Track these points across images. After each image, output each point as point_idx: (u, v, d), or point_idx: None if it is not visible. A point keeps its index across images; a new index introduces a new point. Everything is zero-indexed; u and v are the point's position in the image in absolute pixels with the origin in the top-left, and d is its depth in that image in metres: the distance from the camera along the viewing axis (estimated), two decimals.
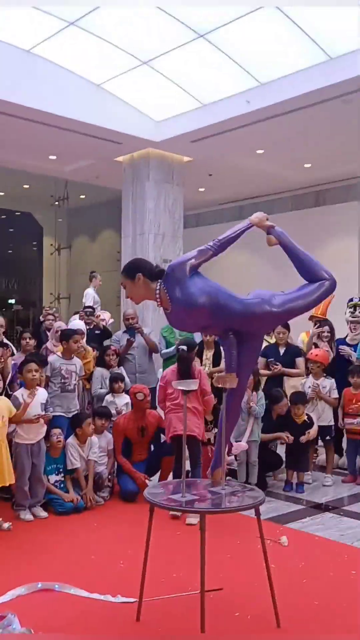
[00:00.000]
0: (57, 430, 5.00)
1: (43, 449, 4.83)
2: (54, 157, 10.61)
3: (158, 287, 2.84)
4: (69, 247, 15.99)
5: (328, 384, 5.96)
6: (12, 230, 16.19)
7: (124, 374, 5.94)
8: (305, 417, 5.69)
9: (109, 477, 5.30)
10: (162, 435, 5.37)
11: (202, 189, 12.42)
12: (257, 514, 2.97)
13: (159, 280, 2.86)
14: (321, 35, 7.23)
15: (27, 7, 7.18)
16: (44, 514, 4.71)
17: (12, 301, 15.99)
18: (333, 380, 6.01)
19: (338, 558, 3.92)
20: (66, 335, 5.49)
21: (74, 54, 8.37)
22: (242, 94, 8.41)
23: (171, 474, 5.10)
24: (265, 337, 6.73)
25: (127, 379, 5.90)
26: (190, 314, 2.84)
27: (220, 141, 9.25)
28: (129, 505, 5.02)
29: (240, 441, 5.11)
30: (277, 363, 6.01)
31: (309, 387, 5.95)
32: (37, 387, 4.80)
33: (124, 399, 5.69)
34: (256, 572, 3.37)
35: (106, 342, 7.11)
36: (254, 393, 5.49)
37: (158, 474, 5.37)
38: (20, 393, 4.73)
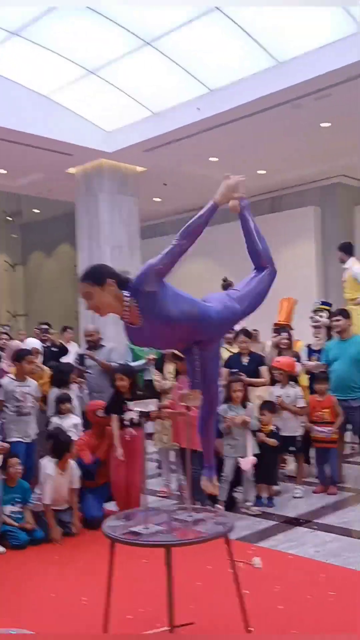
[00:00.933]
0: (14, 460, 4.70)
1: None
2: (4, 172, 10.30)
3: (128, 299, 2.50)
4: (24, 263, 15.59)
5: (293, 392, 5.82)
6: None
7: (74, 394, 5.70)
8: (273, 427, 5.53)
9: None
10: None
11: (157, 199, 12.26)
12: (227, 542, 2.77)
13: (126, 292, 2.52)
14: (269, 40, 7.17)
15: None
16: (1, 548, 4.40)
17: None
18: (298, 388, 5.88)
19: (315, 577, 3.75)
20: (19, 356, 5.21)
21: (20, 65, 8.12)
22: (193, 101, 8.29)
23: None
24: (227, 346, 6.57)
25: (75, 400, 5.66)
26: (167, 331, 2.58)
27: (174, 150, 9.11)
28: (94, 533, 4.74)
29: (244, 457, 5.05)
30: (241, 373, 5.83)
31: (278, 396, 5.79)
32: None
33: (72, 420, 5.43)
34: (229, 600, 3.16)
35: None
36: (248, 406, 5.32)
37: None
38: None
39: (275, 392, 5.83)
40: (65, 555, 4.32)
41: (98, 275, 2.54)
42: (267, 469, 5.45)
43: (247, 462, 5.09)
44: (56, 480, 4.68)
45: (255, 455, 5.25)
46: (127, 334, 2.66)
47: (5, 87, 8.21)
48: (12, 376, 5.22)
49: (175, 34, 7.34)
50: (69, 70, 8.16)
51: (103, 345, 6.49)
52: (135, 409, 2.71)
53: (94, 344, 6.38)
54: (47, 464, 4.72)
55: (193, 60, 7.80)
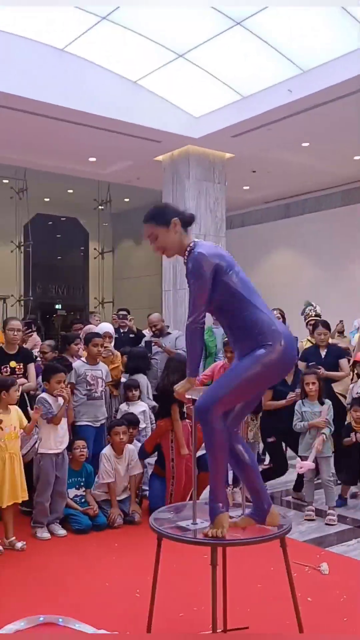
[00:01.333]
0: (80, 443, 4.68)
1: (66, 461, 4.52)
2: (93, 159, 10.42)
3: (189, 247, 2.54)
4: (113, 251, 15.82)
5: None
6: (59, 236, 16.16)
7: (144, 380, 5.61)
8: None
9: (137, 491, 4.93)
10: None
11: (246, 187, 11.97)
12: (283, 545, 2.54)
13: (192, 238, 2.59)
14: None
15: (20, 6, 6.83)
16: (62, 531, 4.36)
17: (59, 306, 15.94)
18: None
19: None
20: (86, 339, 5.19)
21: (108, 50, 8.12)
22: (284, 83, 7.95)
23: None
24: (309, 338, 6.26)
25: (143, 386, 5.56)
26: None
27: (263, 135, 8.81)
28: None
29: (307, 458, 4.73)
30: (319, 367, 5.48)
31: (357, 392, 5.41)
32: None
33: (140, 407, 5.33)
34: (289, 605, 2.93)
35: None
36: (326, 403, 4.99)
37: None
38: (47, 398, 4.41)
39: (356, 388, 5.45)
40: (125, 544, 4.23)
41: (163, 216, 2.57)
42: (347, 465, 5.12)
43: (304, 466, 4.69)
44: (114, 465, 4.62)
45: (338, 453, 4.91)
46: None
47: (94, 73, 8.25)
48: (84, 359, 5.21)
49: (266, 13, 7.03)
50: (157, 54, 8.08)
51: (169, 333, 6.60)
52: (188, 396, 2.54)
53: (160, 332, 6.49)
54: (106, 449, 4.70)
55: (285, 40, 7.46)
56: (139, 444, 5.03)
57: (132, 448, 4.88)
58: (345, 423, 5.30)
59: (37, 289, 14.63)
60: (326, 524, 4.56)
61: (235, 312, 2.50)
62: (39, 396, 4.52)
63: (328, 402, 5.02)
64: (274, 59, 7.71)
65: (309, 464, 4.64)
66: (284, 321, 5.98)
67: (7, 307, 12.25)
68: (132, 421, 5.03)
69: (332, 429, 4.88)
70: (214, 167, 9.88)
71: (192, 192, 9.72)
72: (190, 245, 2.56)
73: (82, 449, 4.65)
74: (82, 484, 4.67)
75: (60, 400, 4.38)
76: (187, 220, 2.60)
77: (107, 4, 7.01)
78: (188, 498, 4.50)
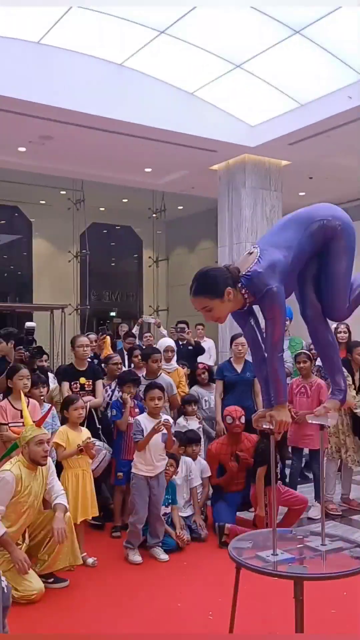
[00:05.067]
0: (170, 461, 4.62)
1: (163, 483, 4.44)
2: (149, 170, 10.51)
3: (244, 291, 2.45)
4: (167, 259, 15.92)
5: None
6: (113, 244, 16.40)
7: (206, 393, 5.62)
8: None
9: (202, 508, 4.94)
10: None
11: (302, 193, 11.82)
12: None
13: (241, 285, 2.46)
14: None
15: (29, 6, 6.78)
16: (164, 556, 4.29)
17: (113, 313, 16.16)
18: None
19: None
20: (146, 355, 5.24)
21: (166, 63, 8.18)
22: (343, 89, 7.81)
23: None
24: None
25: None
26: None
27: (321, 142, 8.68)
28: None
29: None
30: None
31: None
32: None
33: (197, 423, 5.34)
34: None
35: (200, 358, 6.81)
36: None
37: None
38: (142, 419, 4.41)
39: None
40: (193, 563, 4.25)
41: (215, 287, 2.42)
42: None
43: None
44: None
45: None
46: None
47: (151, 87, 8.32)
48: (143, 375, 5.26)
49: (324, 20, 6.94)
50: (214, 65, 8.08)
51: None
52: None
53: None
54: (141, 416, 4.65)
55: (344, 46, 7.34)
56: (204, 462, 5.04)
57: (190, 461, 4.89)
58: None
59: (92, 296, 14.86)
60: None
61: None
62: (136, 417, 4.52)
63: None
64: (332, 66, 7.60)
65: None
66: (349, 337, 5.87)
67: (65, 316, 12.50)
68: (193, 439, 5.05)
69: None
70: (270, 174, 9.81)
71: (248, 200, 9.68)
72: (244, 290, 2.45)
73: (168, 467, 4.58)
74: (169, 501, 4.65)
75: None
76: (235, 279, 2.46)
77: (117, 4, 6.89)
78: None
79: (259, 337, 2.67)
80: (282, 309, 2.44)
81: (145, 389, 4.60)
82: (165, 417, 4.46)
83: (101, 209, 14.50)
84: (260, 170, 9.68)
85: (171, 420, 4.51)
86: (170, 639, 2.55)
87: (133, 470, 4.38)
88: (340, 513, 5.35)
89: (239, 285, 2.45)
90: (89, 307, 13.74)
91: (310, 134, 8.55)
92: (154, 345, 6.03)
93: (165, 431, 4.30)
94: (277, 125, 8.73)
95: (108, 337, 6.15)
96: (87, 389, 4.87)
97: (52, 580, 3.79)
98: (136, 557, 4.23)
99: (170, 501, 4.66)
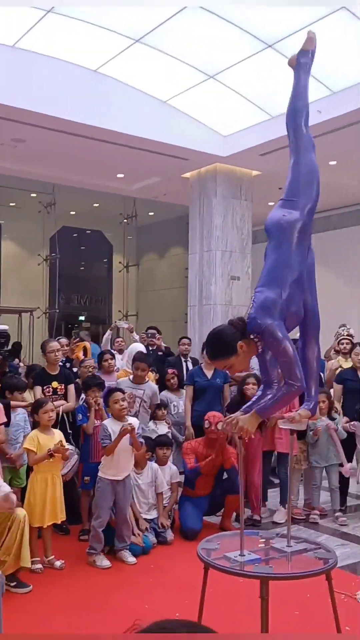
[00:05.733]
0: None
1: (129, 487, 4.48)
2: (121, 176, 10.57)
3: (257, 340, 2.59)
4: (137, 264, 15.97)
5: None
6: (83, 248, 16.36)
7: (175, 399, 5.70)
8: None
9: (170, 512, 5.00)
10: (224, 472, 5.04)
11: (271, 203, 11.99)
12: (328, 578, 2.59)
13: (252, 335, 2.59)
14: None
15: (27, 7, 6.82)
16: (132, 559, 4.32)
17: (82, 318, 16.11)
18: None
19: None
20: (133, 360, 5.31)
21: (140, 72, 8.27)
22: (313, 103, 7.96)
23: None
24: (341, 360, 6.28)
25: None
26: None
27: None
28: (191, 545, 4.69)
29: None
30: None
31: None
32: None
33: (166, 427, 5.42)
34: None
35: None
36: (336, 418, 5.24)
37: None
38: (109, 423, 4.43)
39: None
40: (160, 565, 4.30)
41: (229, 347, 2.55)
42: None
43: (347, 469, 5.16)
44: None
45: None
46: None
47: (126, 94, 8.39)
48: (130, 378, 5.33)
49: (297, 35, 7.12)
50: (188, 75, 8.19)
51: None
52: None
53: None
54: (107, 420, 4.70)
55: (315, 62, 7.53)
56: (174, 467, 5.10)
57: (157, 466, 4.95)
58: None
59: (61, 300, 14.80)
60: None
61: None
62: (103, 422, 4.54)
63: (338, 417, 5.43)
64: None
65: (349, 465, 5.25)
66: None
67: (34, 319, 12.42)
68: (164, 442, 5.11)
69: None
70: (241, 184, 9.97)
71: (219, 208, 9.81)
72: (255, 335, 2.58)
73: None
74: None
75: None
76: (242, 330, 2.60)
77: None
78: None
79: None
80: (284, 342, 2.52)
81: (107, 393, 4.62)
82: (130, 419, 4.50)
83: (72, 212, 14.47)
84: (232, 179, 9.83)
85: (136, 423, 4.54)
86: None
87: (99, 474, 4.40)
88: (304, 517, 5.48)
89: (248, 333, 2.57)
90: (57, 310, 13.69)
91: (281, 145, 8.70)
92: (125, 350, 6.07)
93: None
94: (249, 136, 8.89)
95: (87, 344, 6.12)
96: (59, 393, 4.88)
97: (14, 584, 3.76)
98: (104, 561, 4.25)
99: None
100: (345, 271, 12.01)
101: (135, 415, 5.22)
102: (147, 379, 5.37)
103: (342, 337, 6.35)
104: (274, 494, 5.77)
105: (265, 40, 7.32)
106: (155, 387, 5.48)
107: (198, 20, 7.06)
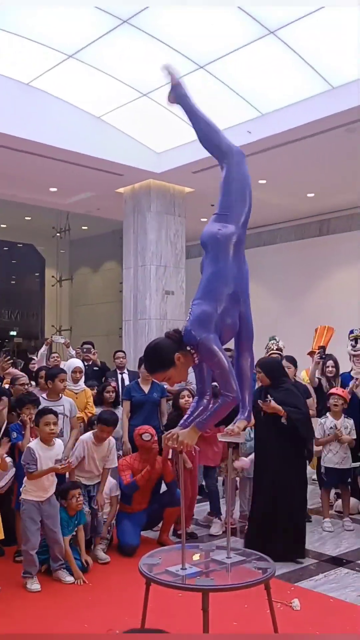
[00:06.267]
0: (76, 491, 4.53)
1: (55, 505, 4.37)
2: (54, 190, 10.48)
3: (194, 352, 2.65)
4: (70, 278, 15.82)
5: (349, 424, 5.67)
6: (14, 261, 16.05)
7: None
8: None
9: (109, 528, 4.97)
10: (163, 485, 5.07)
11: (204, 219, 12.24)
12: (267, 587, 2.66)
13: (188, 347, 2.67)
14: (323, 64, 7.11)
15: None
16: (69, 578, 4.24)
17: (14, 333, 15.76)
18: (352, 420, 5.71)
19: (357, 625, 3.58)
20: (52, 374, 5.19)
21: (74, 87, 8.27)
22: (244, 124, 8.26)
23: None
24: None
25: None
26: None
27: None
28: (128, 561, 4.68)
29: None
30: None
31: (330, 427, 5.62)
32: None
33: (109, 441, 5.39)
34: None
35: None
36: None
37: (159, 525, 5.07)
38: (35, 446, 4.29)
39: (329, 423, 5.66)
40: (98, 583, 4.26)
41: (166, 359, 2.61)
42: None
43: (242, 463, 5.32)
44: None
45: None
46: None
47: (59, 108, 8.37)
48: (45, 396, 5.20)
49: (228, 58, 7.35)
50: (122, 92, 8.27)
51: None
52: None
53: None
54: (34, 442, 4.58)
55: (246, 84, 7.79)
56: (113, 480, 5.06)
57: (113, 442, 4.94)
58: None
59: None
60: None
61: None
62: (28, 445, 4.39)
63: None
64: (234, 101, 8.02)
65: (246, 460, 5.32)
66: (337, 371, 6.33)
67: None
68: (110, 420, 4.90)
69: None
70: (175, 200, 10.11)
71: (153, 224, 9.91)
72: (190, 348, 2.65)
73: (78, 497, 4.50)
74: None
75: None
76: (179, 342, 2.66)
77: None
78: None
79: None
80: (219, 355, 2.59)
81: (38, 413, 4.49)
82: (57, 441, 4.46)
83: (3, 225, 14.19)
84: (165, 195, 9.96)
85: (60, 448, 4.50)
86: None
87: (23, 496, 4.29)
88: (238, 527, 5.57)
89: (184, 345, 2.64)
90: None
91: (213, 164, 8.84)
92: (61, 366, 6.00)
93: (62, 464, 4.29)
94: (182, 154, 9.04)
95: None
96: None
97: None
98: (34, 585, 4.14)
99: (75, 524, 4.61)
100: (276, 286, 12.36)
101: (60, 434, 5.13)
102: (61, 395, 5.25)
103: (272, 350, 6.53)
104: (203, 508, 5.87)
105: (197, 60, 7.50)
106: (70, 399, 5.37)
107: (131, 38, 7.16)
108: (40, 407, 4.78)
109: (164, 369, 2.62)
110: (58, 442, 4.51)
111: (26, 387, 5.39)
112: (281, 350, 6.58)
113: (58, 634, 2.90)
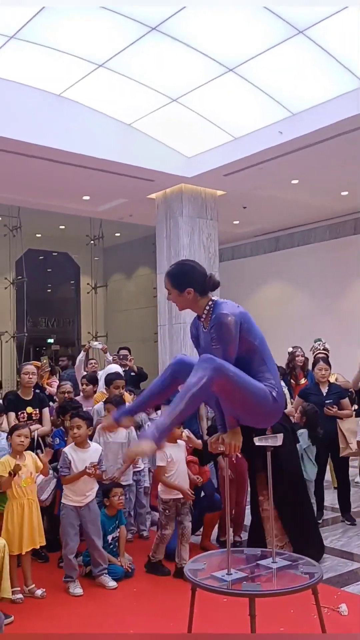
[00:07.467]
0: (119, 490, 4.60)
1: (95, 512, 4.39)
2: (87, 198, 10.61)
3: (208, 306, 2.60)
4: (105, 285, 15.97)
5: None
6: (50, 270, 16.28)
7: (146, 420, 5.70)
8: None
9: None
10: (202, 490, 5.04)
11: (236, 222, 12.22)
12: (314, 592, 2.63)
13: (211, 297, 2.62)
14: (352, 62, 7.02)
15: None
16: (112, 583, 4.25)
17: (51, 340, 15.97)
18: None
19: None
20: (108, 381, 5.26)
21: (104, 96, 8.37)
22: (274, 125, 8.22)
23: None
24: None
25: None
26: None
27: (254, 173, 9.06)
28: (172, 565, 4.67)
29: None
30: (334, 406, 5.61)
31: None
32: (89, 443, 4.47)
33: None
34: None
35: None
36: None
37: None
38: (69, 450, 4.35)
39: None
40: (143, 589, 4.27)
41: (179, 280, 2.61)
42: None
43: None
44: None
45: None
46: (193, 325, 2.76)
47: (90, 117, 8.47)
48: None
49: (257, 59, 7.33)
50: (151, 98, 8.32)
51: None
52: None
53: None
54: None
55: (275, 85, 7.76)
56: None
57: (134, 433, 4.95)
58: None
59: (28, 323, 14.67)
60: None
61: (252, 365, 2.61)
62: (63, 450, 4.45)
63: None
64: (265, 102, 7.99)
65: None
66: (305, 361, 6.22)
67: (2, 343, 12.27)
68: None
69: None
70: (206, 204, 10.11)
71: (186, 228, 9.92)
72: (210, 304, 2.60)
73: (120, 496, 4.56)
74: (114, 525, 4.63)
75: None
76: (210, 288, 2.62)
77: None
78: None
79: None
80: (232, 333, 2.49)
81: (70, 416, 4.55)
82: (94, 445, 4.47)
83: (37, 235, 14.42)
84: (197, 199, 9.98)
85: (97, 450, 4.51)
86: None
87: (62, 500, 4.34)
88: None
89: (210, 298, 2.61)
90: (26, 334, 13.55)
91: (244, 166, 8.92)
92: (99, 372, 6.05)
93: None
94: (212, 158, 9.05)
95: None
96: (34, 417, 4.83)
97: None
98: (77, 589, 4.16)
99: (116, 524, 4.63)
100: (311, 286, 12.23)
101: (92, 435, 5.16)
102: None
103: (318, 350, 6.46)
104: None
105: (227, 64, 7.50)
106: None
107: (160, 45, 7.20)
108: (101, 413, 4.92)
109: (172, 284, 2.61)
110: (94, 445, 4.53)
111: (67, 395, 5.45)
112: (327, 351, 6.52)
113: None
